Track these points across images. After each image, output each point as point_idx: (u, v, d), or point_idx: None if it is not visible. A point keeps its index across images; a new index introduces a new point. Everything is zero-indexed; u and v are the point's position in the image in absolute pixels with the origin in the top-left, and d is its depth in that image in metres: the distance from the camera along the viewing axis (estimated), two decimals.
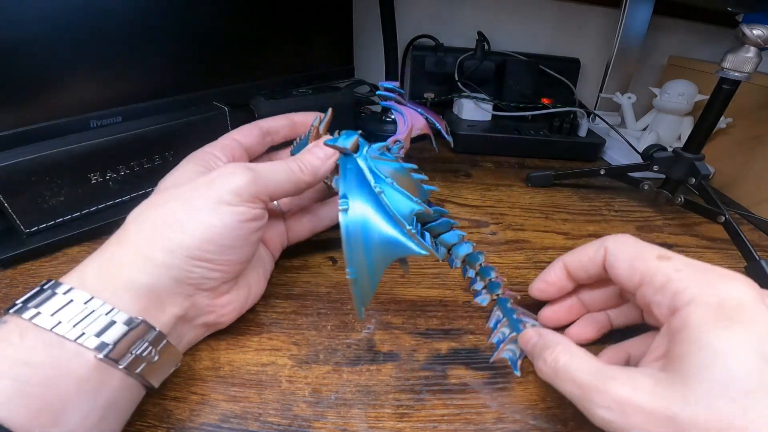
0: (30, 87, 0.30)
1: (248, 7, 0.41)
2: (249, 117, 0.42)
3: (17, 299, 0.17)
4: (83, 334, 0.16)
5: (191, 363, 0.22)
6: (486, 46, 0.60)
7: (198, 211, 0.20)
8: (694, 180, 0.39)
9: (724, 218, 0.36)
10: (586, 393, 0.18)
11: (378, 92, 0.33)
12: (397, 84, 0.33)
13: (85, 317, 0.17)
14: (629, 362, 0.22)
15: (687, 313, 0.17)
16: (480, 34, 0.59)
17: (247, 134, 0.28)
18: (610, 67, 0.61)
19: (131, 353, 0.17)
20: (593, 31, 0.67)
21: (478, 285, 0.24)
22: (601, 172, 0.45)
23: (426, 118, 0.35)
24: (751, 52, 0.33)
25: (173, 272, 0.19)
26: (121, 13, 0.33)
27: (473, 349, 0.25)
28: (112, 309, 0.18)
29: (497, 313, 0.24)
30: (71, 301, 0.17)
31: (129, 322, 0.18)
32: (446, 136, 0.37)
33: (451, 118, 0.58)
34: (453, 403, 0.21)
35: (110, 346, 0.17)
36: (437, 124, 0.36)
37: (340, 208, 0.19)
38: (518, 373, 0.23)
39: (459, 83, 0.58)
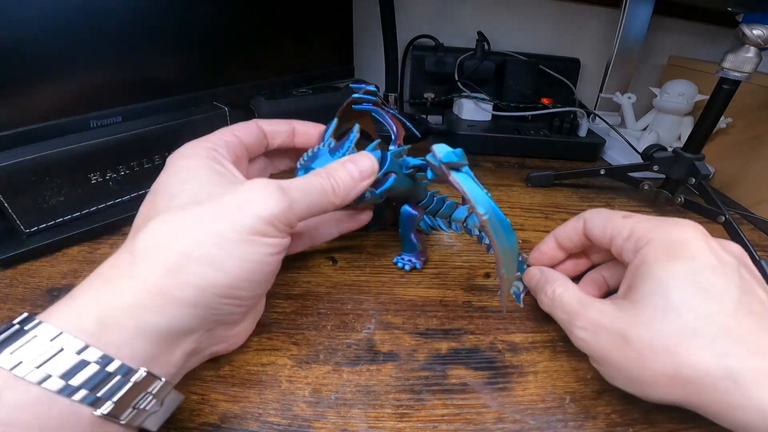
0: (30, 87, 0.30)
1: (248, 7, 0.41)
2: (249, 117, 0.42)
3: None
4: (78, 389, 0.14)
5: None
6: (486, 46, 0.60)
7: (229, 243, 0.17)
8: (694, 180, 0.39)
9: (724, 218, 0.36)
10: (571, 317, 0.21)
11: (355, 95, 0.29)
12: (374, 86, 0.30)
13: (81, 370, 0.14)
14: None
15: (644, 252, 0.20)
16: (480, 34, 0.59)
17: (248, 132, 0.25)
18: (610, 67, 0.61)
19: (133, 407, 0.16)
20: (593, 31, 0.67)
21: (487, 240, 0.27)
22: (601, 172, 0.45)
23: (398, 119, 0.34)
24: (751, 52, 0.33)
25: (199, 311, 0.17)
26: (121, 13, 0.33)
27: (473, 349, 0.25)
28: (113, 360, 0.15)
29: None
30: (62, 350, 0.14)
31: (131, 373, 0.15)
32: (415, 132, 0.36)
33: (451, 118, 0.58)
34: (453, 403, 0.21)
35: (110, 403, 0.15)
36: (407, 123, 0.36)
37: (484, 218, 0.20)
38: (521, 305, 0.28)
39: (459, 83, 0.58)
